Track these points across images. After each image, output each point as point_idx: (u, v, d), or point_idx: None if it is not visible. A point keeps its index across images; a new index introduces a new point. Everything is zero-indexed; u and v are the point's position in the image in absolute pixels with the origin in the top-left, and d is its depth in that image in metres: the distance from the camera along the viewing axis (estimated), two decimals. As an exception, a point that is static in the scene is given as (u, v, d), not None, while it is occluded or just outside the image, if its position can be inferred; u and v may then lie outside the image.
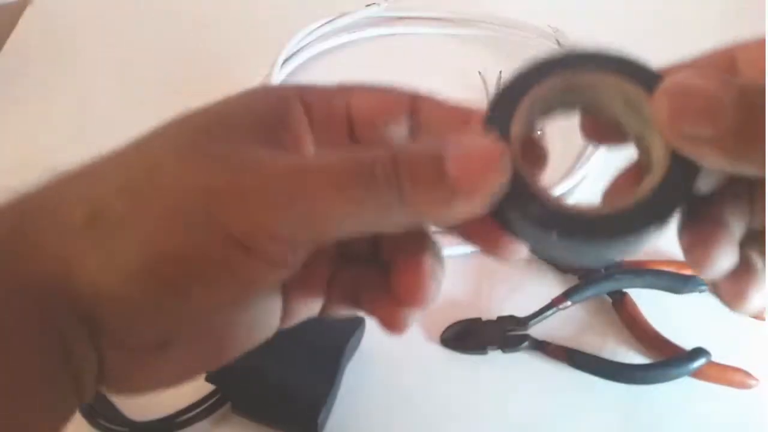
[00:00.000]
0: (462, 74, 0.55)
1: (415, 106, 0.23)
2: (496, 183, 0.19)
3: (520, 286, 0.43)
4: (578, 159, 0.49)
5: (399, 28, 0.59)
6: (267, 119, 0.22)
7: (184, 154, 0.20)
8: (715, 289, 0.22)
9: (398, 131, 0.23)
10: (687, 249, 0.21)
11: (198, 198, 0.19)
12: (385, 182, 0.19)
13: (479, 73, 0.55)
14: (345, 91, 0.24)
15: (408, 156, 0.19)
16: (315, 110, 0.23)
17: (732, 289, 0.22)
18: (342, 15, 0.58)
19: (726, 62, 0.21)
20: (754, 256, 0.22)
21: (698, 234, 0.21)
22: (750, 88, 0.18)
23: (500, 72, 0.54)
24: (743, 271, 0.21)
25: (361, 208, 0.19)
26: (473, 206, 0.19)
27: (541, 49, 0.56)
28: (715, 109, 0.18)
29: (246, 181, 0.19)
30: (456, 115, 0.23)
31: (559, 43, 0.54)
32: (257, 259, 0.19)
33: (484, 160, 0.19)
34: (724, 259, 0.21)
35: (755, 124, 0.17)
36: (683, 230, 0.21)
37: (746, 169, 0.18)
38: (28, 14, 0.61)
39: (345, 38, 0.58)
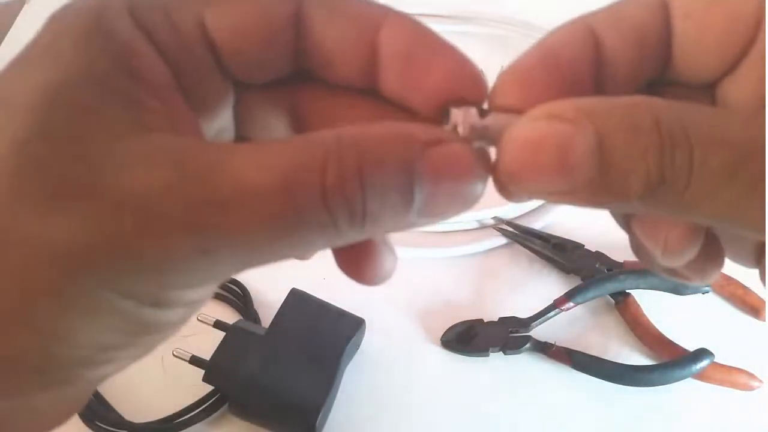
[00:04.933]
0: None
1: (301, 19, 0.18)
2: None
3: (522, 286, 0.43)
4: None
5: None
6: (110, 80, 0.16)
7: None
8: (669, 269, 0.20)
9: (279, 58, 0.18)
10: (652, 244, 0.19)
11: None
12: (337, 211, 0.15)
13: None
14: (196, 2, 0.17)
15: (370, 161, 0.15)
16: (158, 36, 0.17)
17: (696, 265, 0.20)
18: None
19: (648, 10, 0.18)
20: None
21: (660, 228, 0.19)
22: (607, 125, 0.15)
23: (501, 67, 0.54)
24: (706, 246, 0.19)
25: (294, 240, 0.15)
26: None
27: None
28: (567, 162, 0.15)
29: (119, 229, 0.14)
30: (361, 41, 0.18)
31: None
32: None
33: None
34: (696, 246, 0.19)
35: (613, 174, 0.15)
36: (638, 226, 0.19)
37: (608, 209, 0.17)
38: (25, 14, 0.61)
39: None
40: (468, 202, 0.16)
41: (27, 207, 0.14)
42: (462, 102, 0.17)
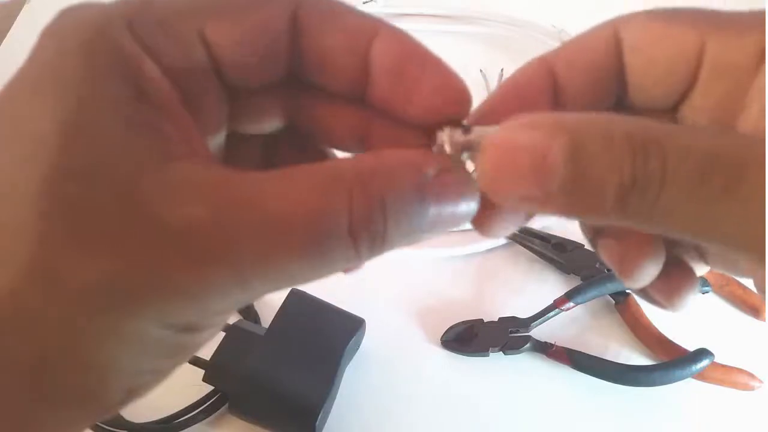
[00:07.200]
0: (463, 72, 0.55)
1: (297, 25, 0.18)
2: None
3: (522, 287, 0.43)
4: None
5: (397, 25, 0.59)
6: (125, 107, 0.15)
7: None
8: (642, 291, 0.21)
9: (276, 63, 0.19)
10: (612, 263, 0.21)
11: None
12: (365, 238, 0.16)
13: (480, 70, 0.54)
14: (195, 16, 0.17)
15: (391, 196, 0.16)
16: (161, 53, 0.17)
17: (664, 290, 0.21)
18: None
19: (601, 46, 0.19)
20: (682, 253, 0.21)
21: (621, 247, 0.20)
22: (582, 134, 0.15)
23: (501, 70, 0.54)
24: (674, 271, 0.21)
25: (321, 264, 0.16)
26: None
27: (545, 47, 0.55)
28: (542, 168, 0.15)
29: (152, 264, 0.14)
30: (353, 51, 0.18)
31: (563, 42, 0.54)
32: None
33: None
34: (653, 266, 0.20)
35: (587, 180, 0.15)
36: (601, 245, 0.21)
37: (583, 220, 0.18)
38: (25, 13, 0.61)
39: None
40: (464, 217, 0.18)
41: (61, 249, 0.14)
42: (447, 123, 0.19)
